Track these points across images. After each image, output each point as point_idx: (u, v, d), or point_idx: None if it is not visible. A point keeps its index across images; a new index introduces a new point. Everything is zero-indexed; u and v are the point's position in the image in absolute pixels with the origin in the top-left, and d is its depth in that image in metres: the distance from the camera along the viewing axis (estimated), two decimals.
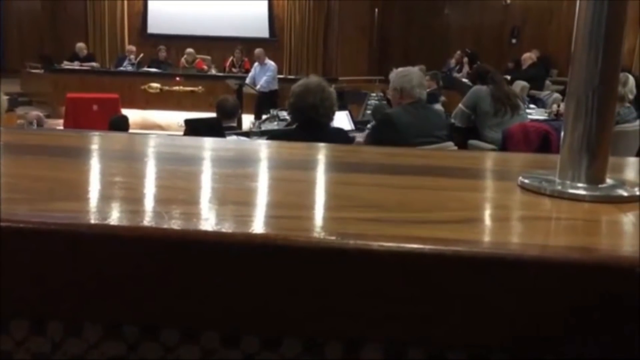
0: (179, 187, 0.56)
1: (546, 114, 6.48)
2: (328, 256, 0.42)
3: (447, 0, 14.96)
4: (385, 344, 0.44)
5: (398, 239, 0.42)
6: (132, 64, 12.36)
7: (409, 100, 3.88)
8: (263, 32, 15.08)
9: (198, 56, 12.61)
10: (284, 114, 5.74)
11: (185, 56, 12.45)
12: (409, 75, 3.92)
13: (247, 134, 5.23)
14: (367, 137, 4.19)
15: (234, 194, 0.55)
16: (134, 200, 0.52)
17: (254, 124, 6.54)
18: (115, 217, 0.46)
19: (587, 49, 0.53)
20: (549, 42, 13.48)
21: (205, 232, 0.43)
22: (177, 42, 13.99)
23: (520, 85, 8.06)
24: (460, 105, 5.40)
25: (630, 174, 0.68)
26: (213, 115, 5.62)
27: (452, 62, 13.15)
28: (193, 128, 5.11)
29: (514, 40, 14.35)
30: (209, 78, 11.74)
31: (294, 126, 3.75)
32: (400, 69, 4.03)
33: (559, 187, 0.55)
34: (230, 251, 0.42)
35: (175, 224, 0.44)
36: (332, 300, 0.42)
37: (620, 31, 0.53)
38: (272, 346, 0.44)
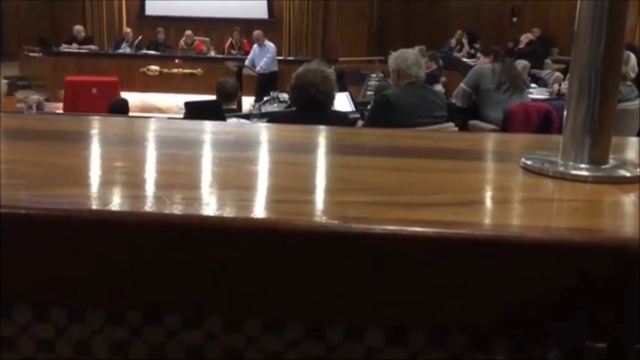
0: (179, 172, 0.56)
1: (547, 93, 6.46)
2: (330, 240, 0.42)
3: None
4: (387, 327, 0.44)
5: (400, 222, 0.42)
6: (130, 46, 12.30)
7: (406, 80, 3.87)
8: (262, 13, 14.95)
9: (196, 38, 12.55)
10: (284, 96, 5.71)
11: (184, 38, 12.39)
12: (403, 55, 3.93)
13: (247, 116, 5.21)
14: (366, 119, 4.19)
15: (235, 178, 0.55)
16: (134, 185, 0.52)
17: (254, 106, 6.52)
18: (116, 202, 0.46)
19: (589, 29, 0.52)
20: (550, 20, 13.38)
21: (207, 217, 0.43)
22: (175, 23, 13.89)
23: (521, 64, 8.02)
24: (461, 84, 5.39)
25: (632, 154, 0.68)
26: (213, 97, 5.61)
27: (453, 42, 13.06)
28: (193, 111, 5.09)
29: (514, 19, 14.25)
30: (208, 60, 11.69)
31: (294, 108, 3.74)
32: (395, 52, 4.04)
33: (562, 168, 0.55)
34: (232, 236, 0.42)
35: (177, 209, 0.44)
36: (334, 284, 0.42)
37: (624, 10, 0.52)
38: (275, 330, 0.44)
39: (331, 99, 3.56)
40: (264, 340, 0.45)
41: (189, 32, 12.50)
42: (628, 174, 0.54)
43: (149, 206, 0.45)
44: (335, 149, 0.73)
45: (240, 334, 0.45)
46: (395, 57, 3.96)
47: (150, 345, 0.45)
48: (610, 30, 0.51)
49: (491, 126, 4.94)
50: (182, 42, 12.46)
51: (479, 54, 6.42)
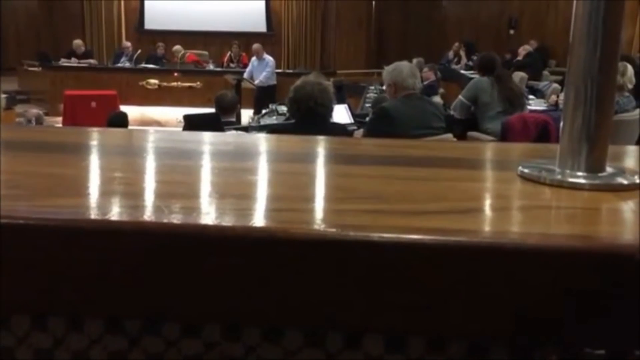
0: (178, 182, 0.56)
1: (545, 105, 6.48)
2: (328, 248, 0.42)
3: None
4: (385, 334, 0.44)
5: (398, 230, 0.42)
6: (130, 60, 12.35)
7: (404, 92, 3.89)
8: (260, 26, 15.04)
9: (193, 51, 12.57)
10: (282, 108, 5.73)
11: (175, 54, 12.42)
12: (398, 68, 3.95)
13: (246, 129, 5.22)
14: (365, 131, 4.20)
15: (234, 187, 0.55)
16: (133, 195, 0.52)
17: (253, 118, 6.54)
18: (115, 212, 0.46)
19: (585, 38, 0.52)
20: (547, 32, 13.46)
21: (205, 226, 0.43)
22: (174, 37, 13.95)
23: (519, 76, 8.06)
24: (460, 96, 5.40)
25: (629, 162, 0.68)
26: (212, 110, 5.62)
27: (450, 54, 13.13)
28: (192, 124, 5.11)
29: (511, 31, 14.33)
30: (207, 73, 11.73)
31: (292, 121, 3.76)
32: (389, 66, 4.06)
33: (559, 176, 0.55)
34: (230, 244, 0.42)
35: (175, 218, 0.44)
36: (333, 292, 0.42)
37: (619, 19, 0.53)
38: (274, 338, 0.44)
39: (330, 111, 3.58)
40: (263, 348, 0.45)
41: (177, 47, 12.51)
42: (625, 182, 0.54)
43: (147, 215, 0.45)
44: (334, 158, 0.73)
45: (239, 342, 0.45)
46: (391, 71, 3.97)
47: (149, 354, 0.45)
48: (605, 38, 0.52)
49: (490, 138, 4.94)
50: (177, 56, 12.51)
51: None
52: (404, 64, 4.06)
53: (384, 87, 4.33)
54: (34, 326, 0.46)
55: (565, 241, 0.42)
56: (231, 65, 12.26)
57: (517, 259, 0.41)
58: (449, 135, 4.04)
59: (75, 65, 12.00)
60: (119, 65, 12.35)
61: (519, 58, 10.72)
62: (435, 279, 0.41)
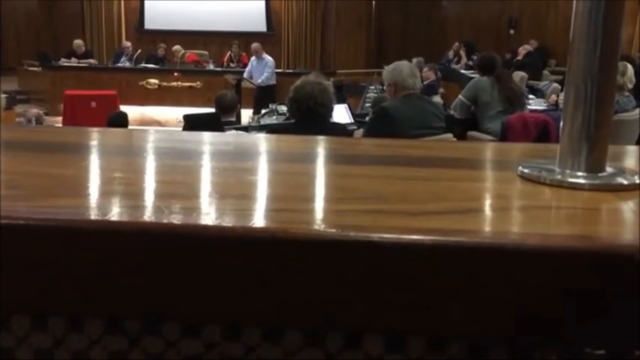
0: (178, 182, 0.56)
1: (545, 104, 6.49)
2: (328, 248, 0.42)
3: None
4: (385, 334, 0.44)
5: (398, 230, 0.42)
6: (130, 60, 12.35)
7: (404, 92, 3.89)
8: (260, 26, 15.05)
9: (193, 51, 12.58)
10: (282, 108, 5.73)
11: (174, 54, 12.44)
12: (398, 68, 3.94)
13: (246, 129, 5.22)
14: (365, 131, 4.20)
15: (234, 187, 0.55)
16: (133, 195, 0.52)
17: (253, 118, 6.54)
18: (115, 212, 0.46)
19: (585, 37, 0.52)
20: (547, 32, 13.47)
21: (205, 226, 0.43)
22: (174, 37, 13.96)
23: (519, 75, 8.06)
24: (460, 96, 5.40)
25: (630, 162, 0.68)
26: (212, 110, 5.63)
27: (450, 53, 13.13)
28: (192, 124, 5.11)
29: (512, 31, 14.34)
30: (207, 73, 11.74)
31: (292, 121, 3.76)
32: (389, 66, 4.06)
33: (559, 176, 0.55)
34: (230, 244, 0.42)
35: (175, 219, 0.44)
36: (333, 292, 0.42)
37: (619, 19, 0.53)
38: (274, 338, 0.44)
39: (330, 110, 3.58)
40: (263, 348, 0.45)
41: (177, 46, 12.51)
42: (625, 182, 0.54)
43: (147, 216, 0.45)
44: (334, 158, 0.73)
45: (239, 342, 0.45)
46: (391, 71, 3.97)
47: (149, 354, 0.45)
48: (605, 38, 0.52)
49: (490, 137, 4.95)
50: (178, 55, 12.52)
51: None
52: (404, 64, 4.06)
53: (384, 87, 4.34)
54: (34, 326, 0.46)
55: (565, 241, 0.42)
56: (231, 65, 12.26)
57: (517, 259, 0.41)
58: (449, 135, 4.04)
59: (75, 65, 12.00)
60: (119, 65, 12.35)
61: (519, 58, 10.73)
62: (435, 279, 0.41)
